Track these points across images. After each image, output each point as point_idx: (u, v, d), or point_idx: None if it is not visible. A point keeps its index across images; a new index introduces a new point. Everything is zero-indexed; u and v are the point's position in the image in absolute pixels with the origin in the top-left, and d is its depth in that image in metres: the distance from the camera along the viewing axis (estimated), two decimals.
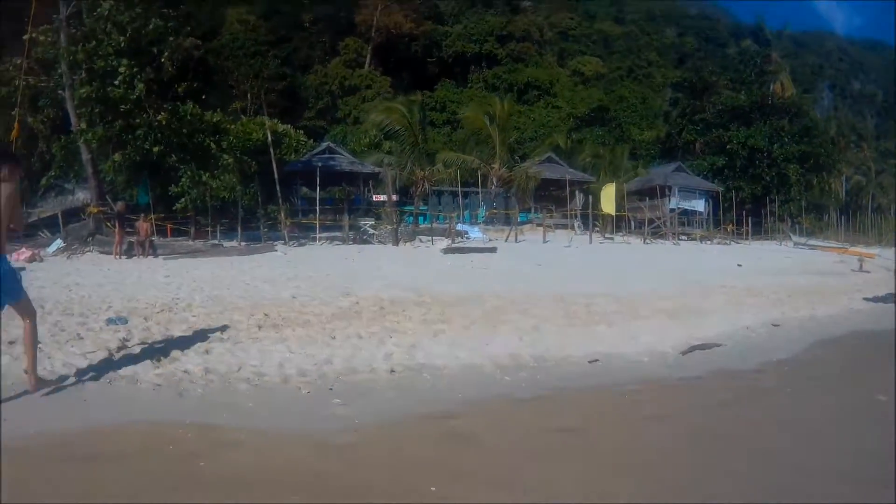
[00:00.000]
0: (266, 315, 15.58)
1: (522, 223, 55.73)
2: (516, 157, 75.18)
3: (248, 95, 75.81)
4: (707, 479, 8.43)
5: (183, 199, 40.97)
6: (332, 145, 62.52)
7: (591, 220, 55.80)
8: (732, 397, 12.28)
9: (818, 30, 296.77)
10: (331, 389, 11.16)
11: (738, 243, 64.03)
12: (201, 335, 13.48)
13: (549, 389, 11.91)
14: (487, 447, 9.11)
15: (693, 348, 15.95)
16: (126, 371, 11.00)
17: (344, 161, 59.78)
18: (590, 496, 7.64)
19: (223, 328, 14.14)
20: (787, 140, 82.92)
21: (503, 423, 10.15)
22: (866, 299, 28.03)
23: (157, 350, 12.29)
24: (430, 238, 41.52)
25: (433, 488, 7.52)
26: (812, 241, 72.32)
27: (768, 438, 10.15)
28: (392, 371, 12.33)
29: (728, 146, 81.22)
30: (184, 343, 12.80)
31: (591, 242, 47.78)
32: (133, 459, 7.81)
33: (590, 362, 14.04)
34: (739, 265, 37.00)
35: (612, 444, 9.58)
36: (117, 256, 31.07)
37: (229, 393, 10.64)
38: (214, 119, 44.19)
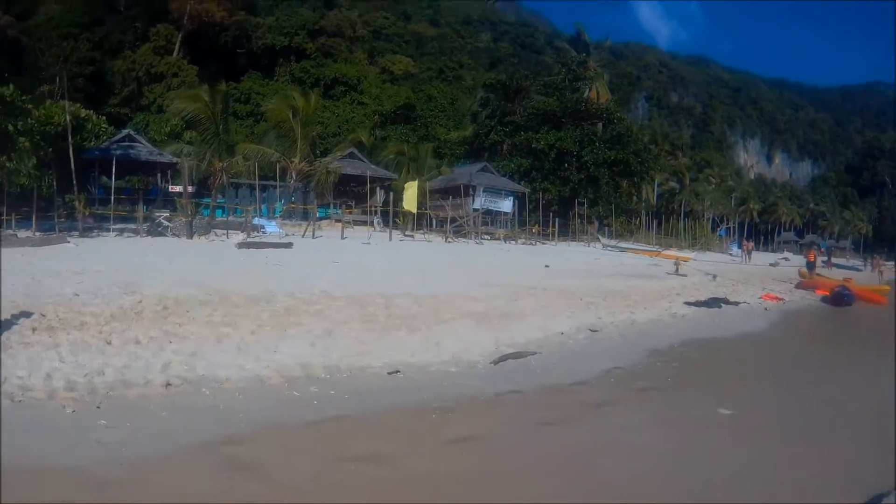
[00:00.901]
0: (43, 315, 14.00)
1: (321, 219, 54.50)
2: (318, 152, 74.66)
3: (57, 79, 73.05)
4: None
5: None
6: (132, 133, 59.40)
7: (391, 217, 54.84)
8: (554, 415, 11.24)
9: (640, 43, 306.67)
10: (98, 408, 9.80)
11: (543, 244, 63.67)
12: None
13: (345, 408, 10.70)
14: (274, 480, 7.85)
15: (505, 357, 14.97)
16: None
17: (143, 150, 56.81)
18: None
19: None
20: (598, 145, 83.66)
21: (292, 450, 8.88)
22: (688, 304, 27.91)
23: None
24: (225, 232, 39.86)
25: None
26: (622, 244, 73.33)
27: (599, 463, 9.33)
28: (168, 385, 10.98)
29: (534, 146, 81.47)
30: None
31: (390, 240, 46.59)
32: None
33: (390, 374, 12.93)
34: (547, 266, 36.50)
35: (417, 473, 8.42)
36: None
37: None
38: (5, 93, 41.65)
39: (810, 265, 49.69)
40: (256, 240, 36.02)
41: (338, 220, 53.96)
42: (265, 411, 10.14)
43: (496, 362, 14.58)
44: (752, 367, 18.04)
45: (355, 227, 54.73)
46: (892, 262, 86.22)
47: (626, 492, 8.25)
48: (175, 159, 54.50)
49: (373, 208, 61.14)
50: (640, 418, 11.57)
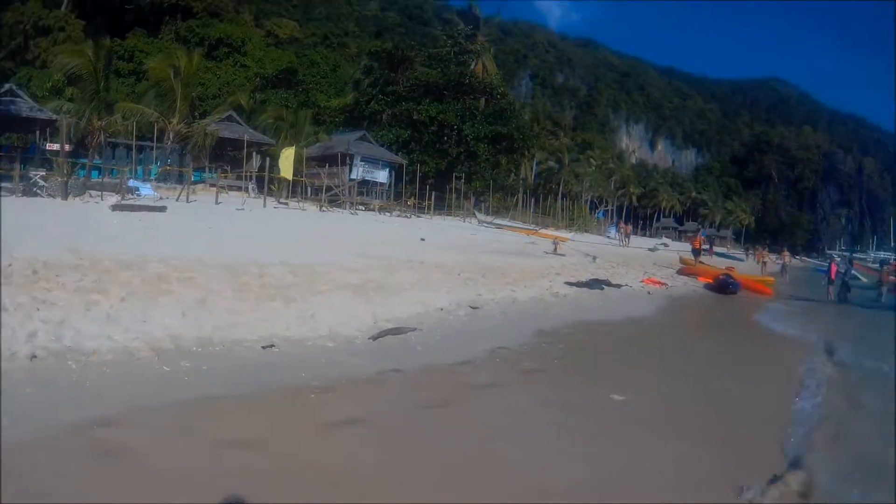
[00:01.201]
0: None
1: (196, 182, 53.40)
2: (197, 114, 72.78)
3: None
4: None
5: None
6: (13, 88, 56.75)
7: (267, 183, 54.14)
8: (438, 396, 10.93)
9: (529, 21, 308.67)
10: None
11: (418, 217, 64.11)
12: None
13: (218, 385, 10.08)
14: (145, 468, 7.21)
15: (384, 333, 14.66)
16: None
17: (24, 106, 54.50)
18: None
19: None
20: (479, 119, 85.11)
21: (163, 433, 8.21)
22: (569, 284, 28.08)
23: None
24: (100, 193, 38.06)
25: None
26: (498, 221, 74.27)
27: (486, 449, 8.98)
28: (34, 357, 10.13)
29: (415, 117, 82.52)
30: None
31: (264, 206, 45.94)
32: None
33: (264, 348, 12.37)
34: (423, 239, 36.27)
35: (296, 460, 7.91)
36: None
37: None
38: None
39: (696, 252, 50.31)
40: (131, 202, 34.86)
41: (212, 185, 53.07)
42: (134, 388, 9.47)
43: (375, 338, 14.25)
44: (641, 352, 18.14)
45: (230, 192, 54.25)
46: (775, 255, 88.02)
47: (514, 480, 8.00)
48: (55, 116, 52.74)
49: (248, 174, 60.62)
50: (527, 402, 11.33)
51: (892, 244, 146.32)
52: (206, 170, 61.77)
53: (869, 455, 10.48)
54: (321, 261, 21.72)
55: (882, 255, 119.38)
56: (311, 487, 7.17)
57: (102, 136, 53.87)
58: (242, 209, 38.95)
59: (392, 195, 71.11)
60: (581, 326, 19.46)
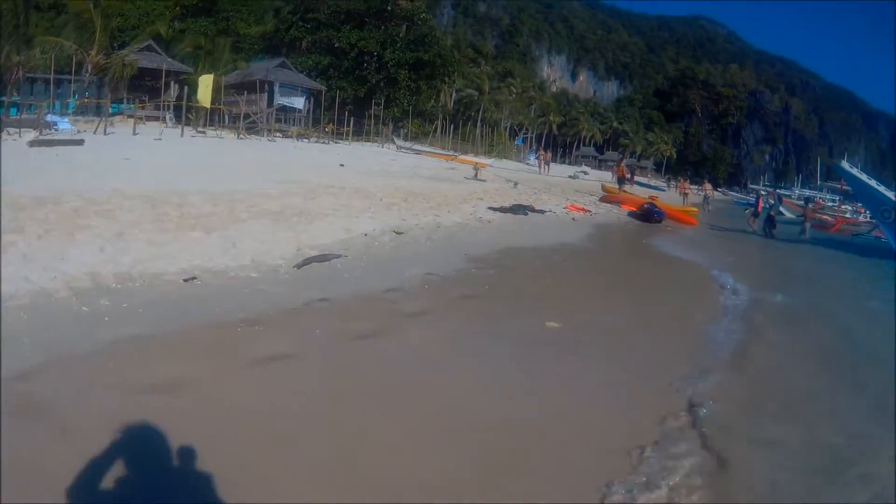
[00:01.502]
0: None
1: (114, 114, 51.94)
2: (115, 45, 70.88)
3: None
4: (352, 441, 6.94)
5: None
6: None
7: (185, 112, 53.50)
8: (370, 327, 10.67)
9: None
10: None
11: (337, 143, 64.05)
12: None
13: (140, 324, 9.55)
14: (68, 424, 6.64)
15: (309, 260, 14.42)
16: None
17: None
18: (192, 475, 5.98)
19: None
20: (400, 46, 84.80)
21: (85, 383, 7.63)
22: (492, 209, 28.32)
23: None
24: (17, 130, 36.21)
25: None
26: (417, 147, 75.08)
27: (421, 381, 8.84)
28: None
29: (336, 44, 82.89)
30: None
31: (182, 136, 44.82)
32: None
33: (186, 281, 11.95)
34: (342, 165, 36.11)
35: (225, 403, 7.52)
36: None
37: None
38: None
39: (620, 180, 50.55)
40: (48, 137, 34.03)
41: (130, 116, 52.07)
42: (54, 333, 8.87)
43: (300, 266, 14.03)
44: (572, 278, 18.44)
45: (148, 122, 53.40)
46: (697, 186, 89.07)
47: (452, 412, 7.91)
48: None
49: (166, 103, 59.65)
50: (461, 329, 11.30)
51: (818, 183, 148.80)
52: (125, 101, 60.84)
53: (772, 383, 10.81)
54: (240, 188, 21.40)
55: (807, 192, 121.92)
56: (243, 430, 6.85)
57: (21, 72, 52.54)
58: (160, 139, 38.21)
59: (310, 122, 70.66)
60: (509, 252, 19.61)
